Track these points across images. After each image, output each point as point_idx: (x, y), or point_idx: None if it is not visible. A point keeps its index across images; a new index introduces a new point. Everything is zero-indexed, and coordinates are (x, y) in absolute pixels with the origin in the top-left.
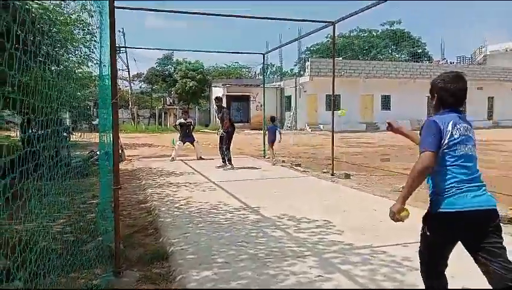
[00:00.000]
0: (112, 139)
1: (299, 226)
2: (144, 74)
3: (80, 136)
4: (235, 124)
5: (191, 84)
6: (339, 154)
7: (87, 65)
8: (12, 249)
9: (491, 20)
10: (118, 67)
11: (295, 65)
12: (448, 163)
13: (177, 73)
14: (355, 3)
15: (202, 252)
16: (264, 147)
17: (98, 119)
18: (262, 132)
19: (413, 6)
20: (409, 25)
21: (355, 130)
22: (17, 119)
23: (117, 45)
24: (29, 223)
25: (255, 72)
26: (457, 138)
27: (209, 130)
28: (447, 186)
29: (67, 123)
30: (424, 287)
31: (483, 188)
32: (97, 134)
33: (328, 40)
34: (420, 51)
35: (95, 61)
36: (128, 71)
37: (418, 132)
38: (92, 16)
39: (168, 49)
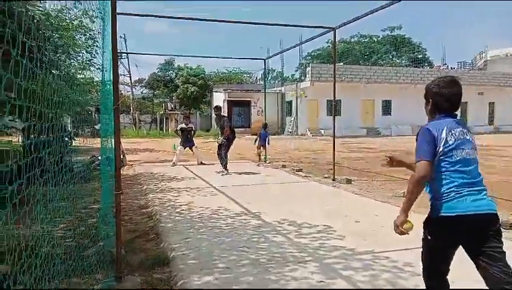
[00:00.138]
0: (113, 145)
1: (300, 232)
2: (145, 79)
3: (83, 141)
4: (236, 130)
5: (192, 90)
6: (340, 159)
7: (90, 70)
8: (19, 254)
9: (491, 24)
10: (119, 73)
11: (296, 70)
12: (445, 169)
13: (178, 78)
14: (356, 8)
15: (203, 257)
16: (266, 153)
17: (99, 124)
18: (256, 136)
19: (414, 13)
20: (410, 31)
21: (356, 135)
22: (19, 124)
23: (118, 51)
24: (35, 228)
25: (256, 78)
26: (453, 144)
27: (209, 135)
28: (446, 191)
29: (69, 128)
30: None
31: (484, 192)
32: (99, 139)
33: (329, 46)
34: (421, 56)
35: (96, 67)
36: (130, 76)
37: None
38: (94, 22)
39: (169, 55)
